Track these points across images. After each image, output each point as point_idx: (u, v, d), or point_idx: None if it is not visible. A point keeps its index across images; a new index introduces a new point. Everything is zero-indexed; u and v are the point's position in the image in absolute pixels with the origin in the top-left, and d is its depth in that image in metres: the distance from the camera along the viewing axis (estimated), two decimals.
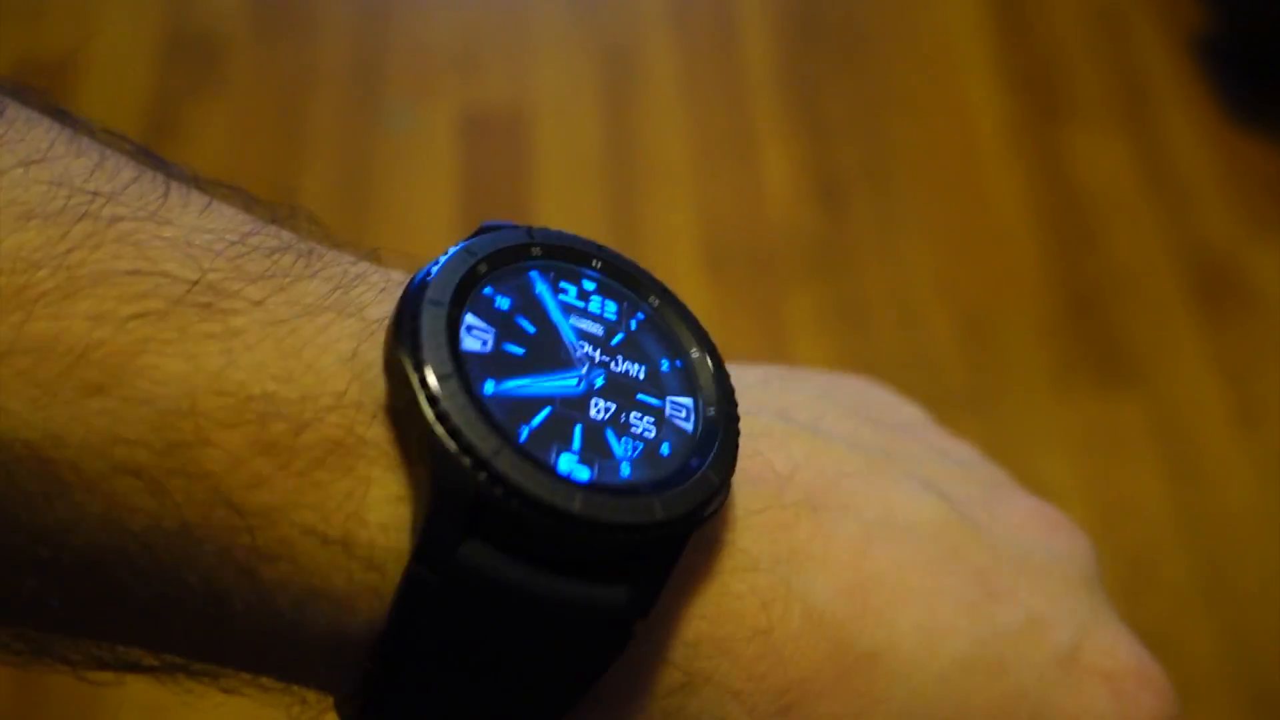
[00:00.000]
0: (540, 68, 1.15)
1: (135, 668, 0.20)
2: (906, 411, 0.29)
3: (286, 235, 0.20)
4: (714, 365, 0.22)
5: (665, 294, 0.23)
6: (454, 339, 0.19)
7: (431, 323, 0.19)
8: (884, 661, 0.21)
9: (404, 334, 0.18)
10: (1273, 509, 0.95)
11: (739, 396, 0.23)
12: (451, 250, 0.20)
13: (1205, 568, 0.93)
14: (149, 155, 0.20)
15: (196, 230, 0.18)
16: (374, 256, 0.21)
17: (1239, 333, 1.05)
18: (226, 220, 0.19)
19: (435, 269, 0.20)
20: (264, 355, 0.18)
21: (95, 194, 0.18)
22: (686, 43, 1.18)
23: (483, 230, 0.22)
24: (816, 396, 0.27)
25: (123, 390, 0.17)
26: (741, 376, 0.25)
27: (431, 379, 0.18)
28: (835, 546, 0.22)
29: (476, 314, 0.20)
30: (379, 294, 0.20)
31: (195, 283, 0.18)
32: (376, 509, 0.18)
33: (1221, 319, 1.05)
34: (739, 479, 0.21)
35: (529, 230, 0.22)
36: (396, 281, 0.20)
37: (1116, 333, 1.04)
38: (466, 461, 0.18)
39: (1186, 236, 1.10)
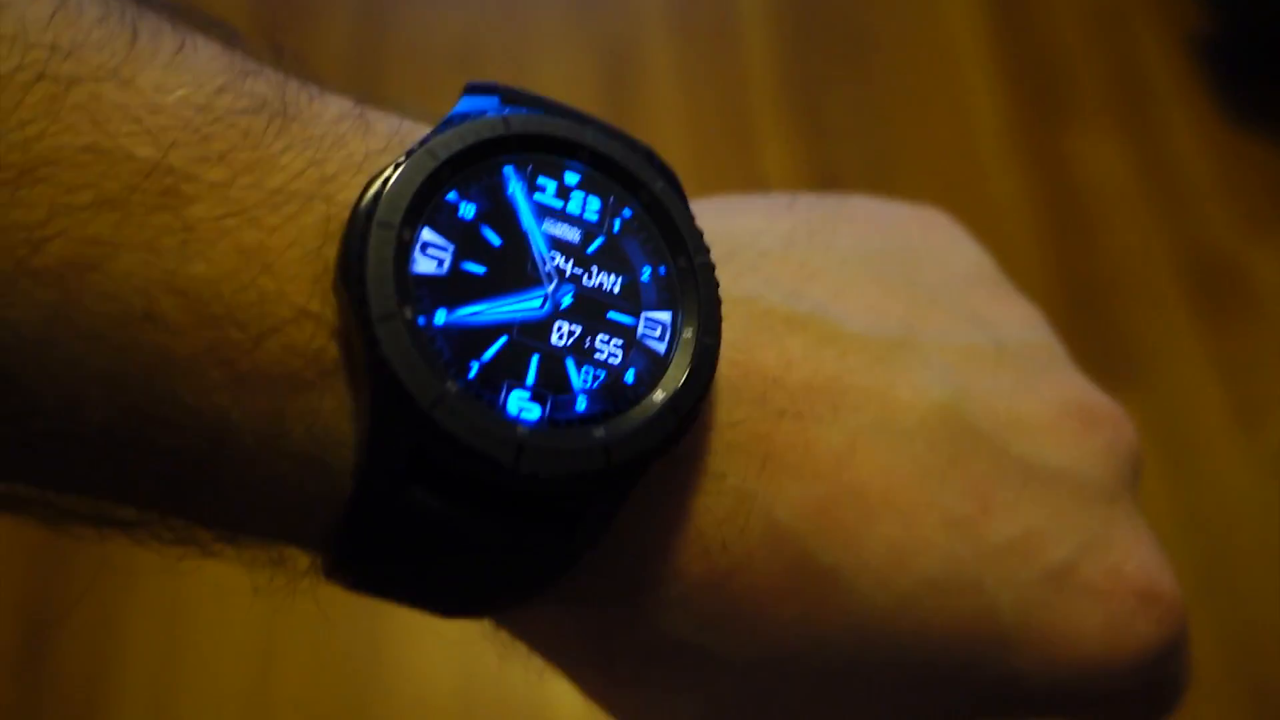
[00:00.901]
0: (540, 67, 1.15)
1: (114, 523, 0.19)
2: (960, 264, 0.26)
3: (262, 87, 0.18)
4: (701, 275, 0.20)
5: (660, 185, 0.21)
6: (402, 267, 0.18)
7: (378, 249, 0.17)
8: (845, 578, 0.21)
9: (350, 261, 0.17)
10: (1272, 508, 0.95)
11: (755, 261, 0.22)
12: (413, 147, 0.19)
13: (1205, 566, 0.93)
14: None
15: (161, 89, 0.17)
16: (360, 106, 0.20)
17: (1239, 333, 1.05)
18: (197, 72, 0.18)
19: (392, 178, 0.18)
20: (222, 253, 0.17)
21: (53, 48, 0.16)
22: (686, 42, 1.18)
23: (463, 94, 0.20)
24: (846, 258, 0.24)
25: (78, 286, 0.16)
26: (765, 231, 0.23)
27: (373, 318, 0.17)
28: (814, 456, 0.21)
29: (435, 228, 0.18)
30: (356, 169, 0.18)
31: (154, 165, 0.17)
32: (329, 424, 0.18)
33: (1221, 319, 1.05)
34: (721, 384, 0.20)
35: (505, 119, 0.20)
36: (376, 150, 0.19)
37: (1116, 332, 1.04)
38: (404, 411, 0.17)
39: (1186, 236, 1.10)
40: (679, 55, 1.17)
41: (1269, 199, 1.12)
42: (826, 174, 1.10)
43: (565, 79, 1.15)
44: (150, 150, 0.17)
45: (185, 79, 0.17)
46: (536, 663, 0.23)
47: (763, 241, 0.23)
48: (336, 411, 0.18)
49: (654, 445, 0.19)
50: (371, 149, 0.19)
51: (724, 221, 0.23)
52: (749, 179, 1.10)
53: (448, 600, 0.20)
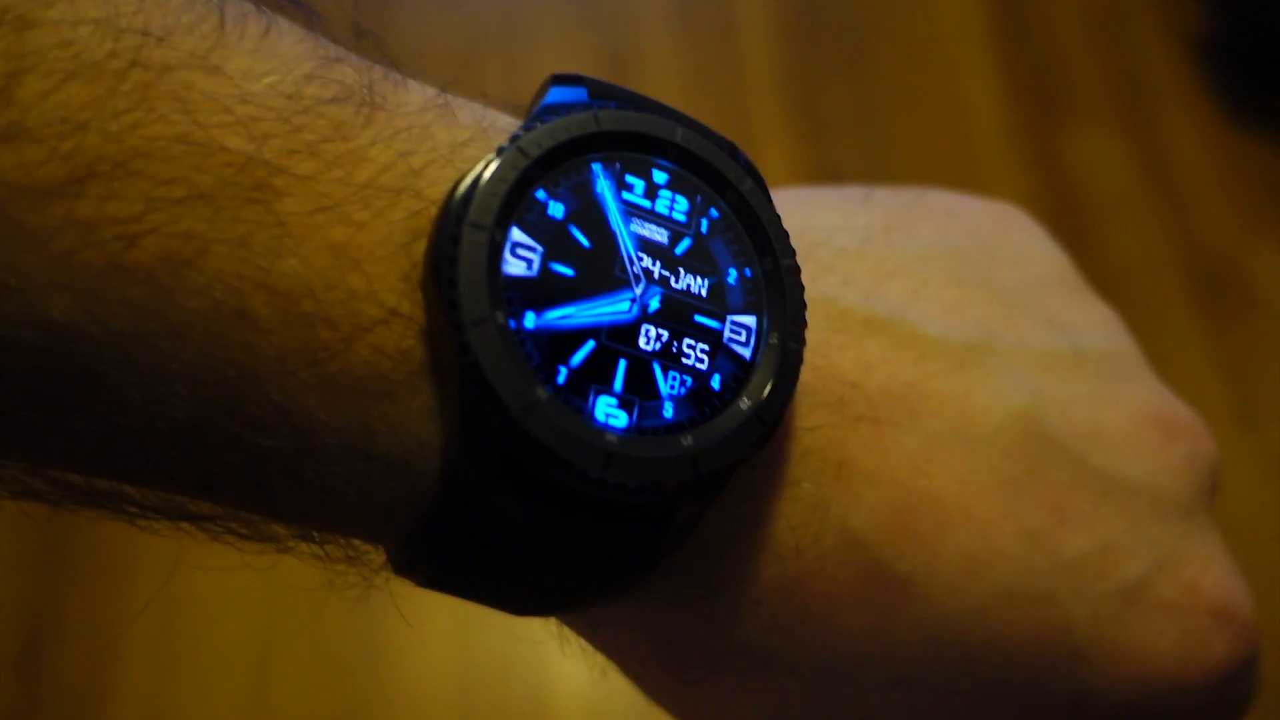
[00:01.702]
0: (540, 68, 1.14)
1: (189, 516, 0.19)
2: (1039, 264, 0.25)
3: (348, 74, 0.18)
4: (788, 278, 0.20)
5: (748, 185, 0.20)
6: (494, 269, 0.17)
7: (470, 252, 0.17)
8: (918, 588, 0.20)
9: (440, 262, 0.17)
10: (1273, 509, 0.95)
11: (832, 260, 0.22)
12: (503, 145, 0.18)
13: None
14: None
15: (250, 76, 0.17)
16: (443, 94, 0.19)
17: (1239, 333, 1.05)
18: (284, 58, 0.17)
19: (483, 176, 0.18)
20: (313, 250, 0.17)
21: (145, 34, 0.16)
22: (686, 43, 1.18)
23: (550, 85, 0.20)
24: (924, 255, 0.23)
25: (171, 284, 0.16)
26: (842, 227, 0.23)
27: (465, 323, 0.17)
28: (891, 463, 0.21)
29: (524, 229, 0.18)
30: (444, 162, 0.18)
31: (247, 158, 0.16)
32: (414, 425, 0.17)
33: (1221, 319, 1.05)
34: (799, 388, 0.20)
35: (595, 115, 0.19)
36: (462, 141, 0.19)
37: None
38: (495, 418, 0.17)
39: (1186, 236, 1.10)
40: (679, 55, 1.17)
41: (1269, 199, 1.12)
42: (826, 174, 1.10)
43: None
44: (241, 142, 0.16)
45: (273, 65, 0.17)
46: (599, 659, 0.23)
47: (839, 239, 0.23)
48: (422, 413, 0.17)
49: (740, 455, 0.19)
50: (457, 140, 0.19)
51: (800, 216, 0.23)
52: None
53: (522, 600, 0.20)
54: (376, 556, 0.21)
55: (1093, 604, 0.21)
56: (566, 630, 0.23)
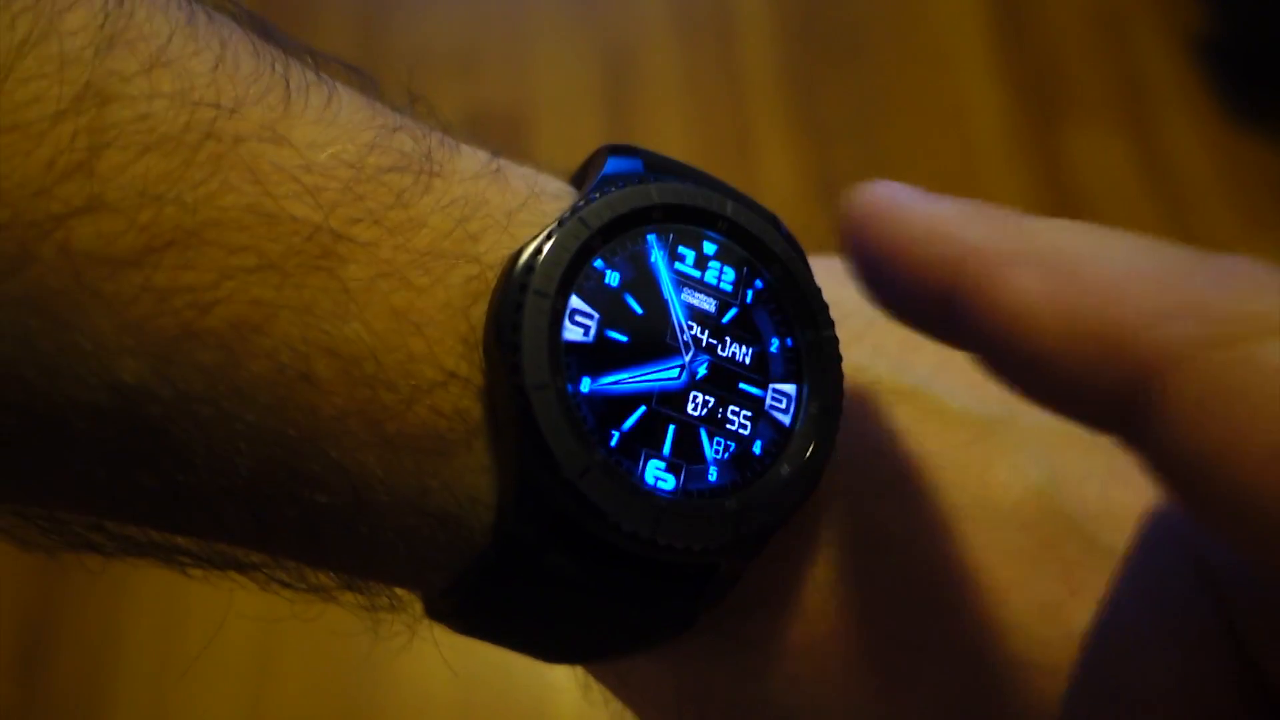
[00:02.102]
0: (540, 68, 1.15)
1: (240, 565, 0.20)
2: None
3: (407, 143, 0.19)
4: (828, 348, 0.21)
5: (790, 257, 0.21)
6: (555, 336, 0.18)
7: (533, 319, 0.18)
8: (933, 651, 0.21)
9: (504, 328, 0.18)
10: None
11: (862, 330, 0.22)
12: (564, 215, 0.19)
13: None
14: (258, 25, 0.19)
15: (314, 146, 0.18)
16: (495, 159, 0.20)
17: None
18: (346, 126, 0.18)
19: (546, 246, 0.19)
20: (376, 314, 0.17)
21: (218, 106, 0.17)
22: (686, 43, 1.18)
23: (605, 156, 0.21)
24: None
25: (241, 349, 0.16)
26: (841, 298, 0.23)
27: (527, 386, 0.18)
28: (913, 528, 0.21)
29: (583, 296, 0.19)
30: (501, 229, 0.19)
31: (315, 228, 0.17)
32: (469, 483, 0.18)
33: None
34: (835, 451, 0.21)
35: (651, 187, 0.20)
36: (516, 207, 0.19)
37: None
38: (551, 479, 0.18)
39: (1186, 236, 1.09)
40: (679, 56, 1.17)
41: (1269, 199, 1.12)
42: (826, 174, 1.10)
43: (565, 80, 1.15)
44: (308, 210, 0.17)
45: (335, 134, 0.18)
46: (617, 706, 0.24)
47: (869, 309, 0.23)
48: (476, 470, 0.18)
49: (780, 517, 0.19)
50: (511, 206, 0.20)
51: (833, 287, 0.23)
52: (749, 180, 1.10)
53: (558, 649, 0.21)
54: (418, 605, 0.21)
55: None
56: (589, 678, 0.24)
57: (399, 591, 0.21)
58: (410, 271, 0.18)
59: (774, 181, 1.09)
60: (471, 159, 0.20)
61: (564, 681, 0.82)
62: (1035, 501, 0.22)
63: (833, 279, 0.24)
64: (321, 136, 0.18)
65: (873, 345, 0.23)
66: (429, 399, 0.18)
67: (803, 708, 0.21)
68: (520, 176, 0.20)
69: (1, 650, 0.84)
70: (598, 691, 0.24)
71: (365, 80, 0.20)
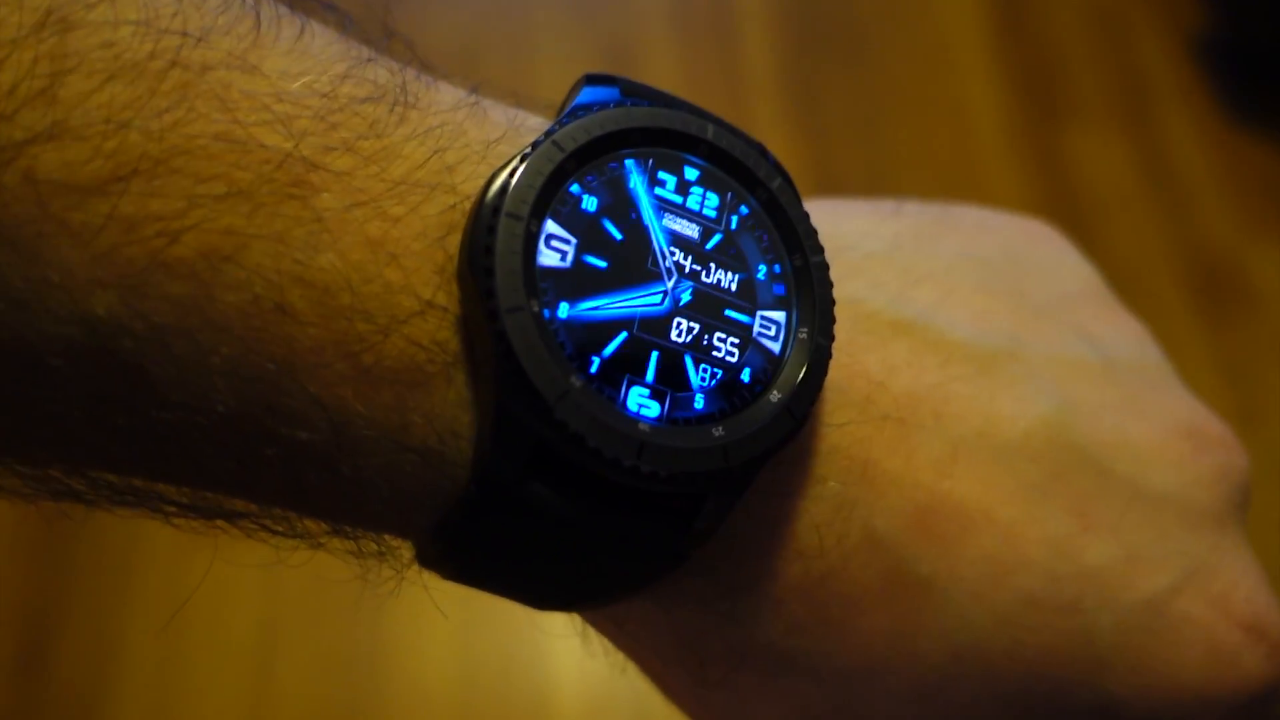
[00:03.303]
0: (540, 67, 1.15)
1: (226, 514, 0.20)
2: (1068, 278, 0.25)
3: (381, 74, 0.18)
4: (816, 274, 0.20)
5: (778, 183, 0.21)
6: (529, 258, 0.18)
7: (506, 242, 0.18)
8: (939, 591, 0.20)
9: (477, 252, 0.17)
10: (1272, 508, 0.95)
11: (860, 264, 0.22)
12: (538, 139, 0.19)
13: None
14: None
15: (286, 76, 0.17)
16: (474, 94, 0.20)
17: (1239, 333, 1.05)
18: (318, 58, 0.18)
19: (519, 169, 0.18)
20: (350, 244, 0.17)
21: (184, 34, 0.16)
22: (686, 42, 1.18)
23: (583, 85, 0.20)
24: (952, 264, 0.24)
25: (211, 278, 0.16)
26: (871, 233, 0.23)
27: (501, 310, 0.17)
28: (915, 463, 0.20)
29: (559, 221, 0.19)
30: (478, 159, 0.19)
31: (285, 155, 0.17)
32: (449, 415, 0.18)
33: (1221, 319, 1.05)
34: (827, 386, 0.20)
35: (629, 110, 0.20)
36: (495, 139, 0.19)
37: None
38: (530, 406, 0.17)
39: (1186, 236, 1.10)
40: (679, 54, 1.17)
41: (1269, 199, 1.12)
42: (826, 174, 1.10)
43: (565, 79, 1.14)
44: (279, 139, 0.17)
45: (308, 65, 0.18)
46: (618, 658, 0.24)
47: (868, 244, 0.23)
48: (456, 403, 0.18)
49: (771, 446, 0.19)
50: (490, 138, 0.19)
51: (829, 223, 0.23)
52: None
53: (548, 593, 0.21)
54: (407, 552, 0.21)
55: (1118, 612, 0.21)
56: (589, 629, 0.23)
57: (392, 541, 0.21)
58: (385, 201, 0.17)
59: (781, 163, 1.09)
60: (449, 93, 0.20)
61: (565, 676, 0.82)
62: (1044, 433, 0.21)
63: (831, 217, 0.23)
64: (293, 67, 0.17)
65: (871, 279, 0.22)
66: (406, 329, 0.17)
67: (806, 651, 0.21)
68: (500, 111, 0.20)
69: (2, 650, 0.83)
70: (596, 641, 0.23)
71: (343, 18, 0.20)
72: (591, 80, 0.21)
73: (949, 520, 0.20)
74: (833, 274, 0.21)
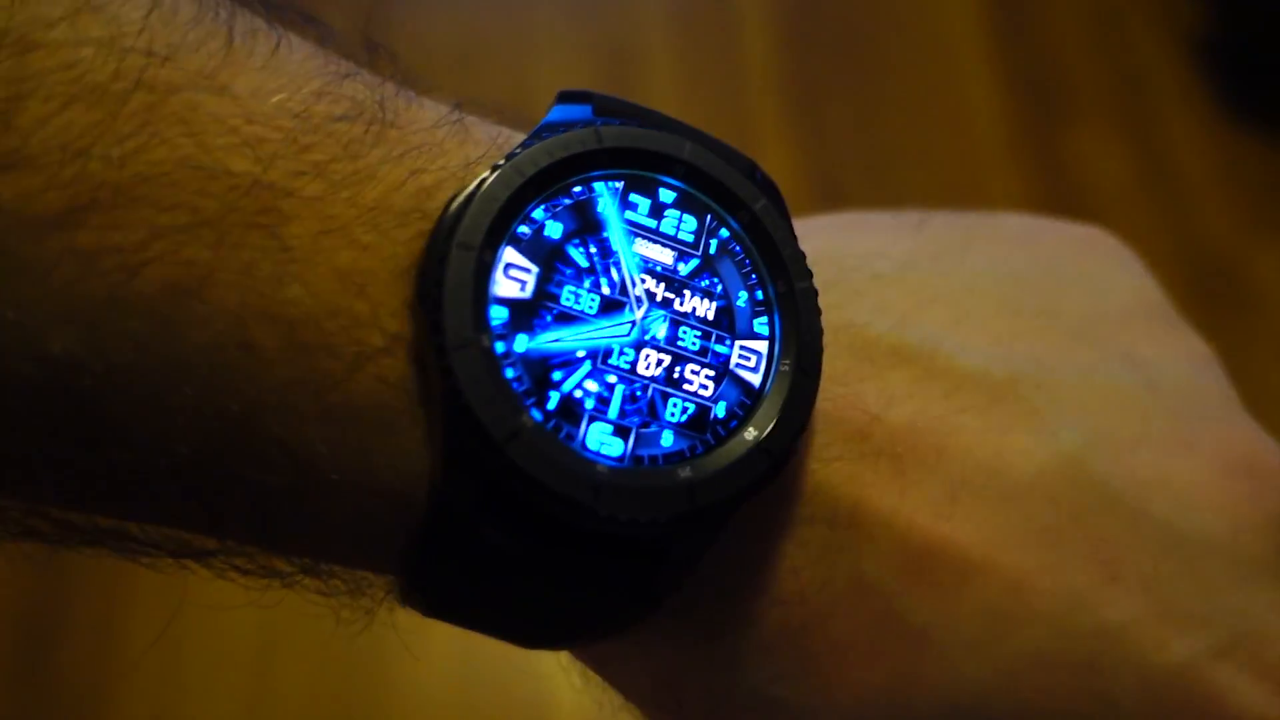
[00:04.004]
0: (540, 68, 1.15)
1: (195, 553, 0.19)
2: (1119, 293, 0.23)
3: (359, 91, 0.18)
4: (802, 301, 0.19)
5: (761, 204, 0.19)
6: (481, 291, 0.17)
7: (457, 273, 0.17)
8: (936, 644, 0.18)
9: (427, 284, 0.17)
10: None
11: (864, 285, 0.20)
12: (498, 165, 0.18)
13: None
14: None
15: (258, 95, 0.16)
16: (459, 111, 0.19)
17: (1238, 332, 1.05)
18: (292, 75, 0.17)
19: (477, 193, 0.17)
20: (318, 276, 0.16)
21: (150, 53, 0.16)
22: (686, 43, 1.18)
23: (556, 102, 0.19)
24: (974, 281, 0.21)
25: (173, 315, 0.15)
26: (883, 252, 0.21)
27: (447, 346, 0.16)
28: (909, 505, 0.19)
29: (520, 249, 0.18)
30: (456, 181, 0.18)
31: (253, 181, 0.16)
32: (416, 456, 0.17)
33: (1221, 319, 1.05)
34: (817, 418, 0.19)
35: (597, 131, 0.19)
36: (476, 159, 0.18)
37: None
38: (478, 446, 0.16)
39: (1186, 236, 1.10)
40: (679, 56, 1.17)
41: (1269, 199, 1.12)
42: (827, 175, 1.10)
43: (565, 79, 1.14)
44: (248, 164, 0.16)
45: (282, 82, 0.17)
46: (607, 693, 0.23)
47: (878, 263, 0.21)
48: (422, 441, 0.17)
49: (742, 488, 0.18)
50: (471, 158, 0.18)
51: (839, 240, 0.21)
52: None
53: (524, 633, 0.20)
54: (380, 589, 0.20)
55: (1145, 677, 0.19)
56: (571, 659, 0.23)
57: (367, 576, 0.20)
58: (356, 228, 0.16)
59: (774, 181, 1.09)
60: (432, 110, 0.19)
61: (564, 677, 0.82)
62: (1062, 470, 0.19)
63: (842, 233, 0.22)
64: (266, 84, 0.17)
65: (875, 302, 0.20)
66: (373, 366, 0.16)
67: (791, 701, 0.19)
68: (483, 129, 0.19)
69: (2, 650, 0.83)
70: (579, 673, 0.23)
71: (322, 30, 0.19)
72: (564, 98, 0.20)
73: (946, 567, 0.19)
74: (834, 297, 0.20)
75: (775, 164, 1.10)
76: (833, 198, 1.09)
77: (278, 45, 0.17)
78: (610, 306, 0.18)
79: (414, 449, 0.17)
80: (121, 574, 0.84)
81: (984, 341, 0.20)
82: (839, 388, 0.19)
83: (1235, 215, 1.11)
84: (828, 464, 0.19)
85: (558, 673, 0.23)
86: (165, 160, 0.15)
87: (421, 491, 0.17)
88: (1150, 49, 1.20)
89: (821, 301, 0.19)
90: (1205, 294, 1.06)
